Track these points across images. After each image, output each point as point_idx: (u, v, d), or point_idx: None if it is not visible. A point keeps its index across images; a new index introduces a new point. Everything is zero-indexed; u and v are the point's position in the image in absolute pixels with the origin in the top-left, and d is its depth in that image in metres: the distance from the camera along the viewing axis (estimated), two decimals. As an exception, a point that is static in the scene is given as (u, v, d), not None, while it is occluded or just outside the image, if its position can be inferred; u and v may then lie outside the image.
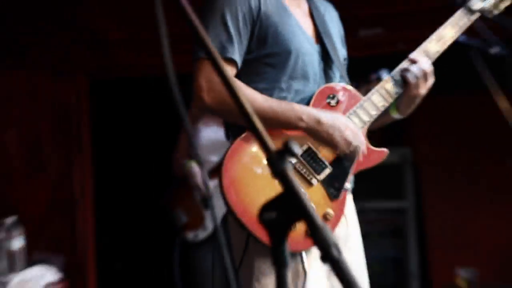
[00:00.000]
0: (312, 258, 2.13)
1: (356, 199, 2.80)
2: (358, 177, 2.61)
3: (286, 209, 1.05)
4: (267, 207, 1.05)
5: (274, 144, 1.14)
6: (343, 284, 0.94)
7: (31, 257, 3.72)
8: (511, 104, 2.74)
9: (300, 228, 1.07)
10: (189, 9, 1.01)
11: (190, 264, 4.61)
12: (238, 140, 2.21)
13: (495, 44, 2.72)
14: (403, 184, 5.84)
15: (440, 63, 2.44)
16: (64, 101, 5.09)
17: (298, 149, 1.28)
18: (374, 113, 2.36)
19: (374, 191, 5.67)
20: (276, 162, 1.01)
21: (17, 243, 3.52)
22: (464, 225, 5.59)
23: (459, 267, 5.51)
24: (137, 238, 5.87)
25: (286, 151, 1.00)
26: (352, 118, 2.35)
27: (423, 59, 2.37)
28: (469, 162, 5.54)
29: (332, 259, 0.92)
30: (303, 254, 2.13)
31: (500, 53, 2.70)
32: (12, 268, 3.39)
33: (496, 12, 2.48)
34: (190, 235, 4.50)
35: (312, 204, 2.21)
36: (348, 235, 2.50)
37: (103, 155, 5.67)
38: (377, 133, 2.55)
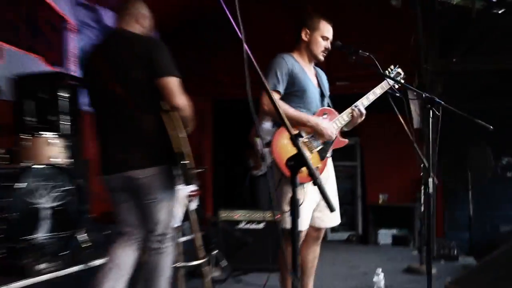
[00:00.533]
0: (309, 187, 2.72)
1: (334, 161, 5.36)
2: (335, 151, 4.71)
3: (297, 161, 1.67)
4: (289, 159, 1.66)
5: (293, 131, 1.84)
6: (322, 195, 1.62)
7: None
8: (404, 119, 3.28)
9: (304, 171, 1.68)
10: (257, 69, 1.67)
11: (253, 187, 5.63)
12: (278, 129, 3.00)
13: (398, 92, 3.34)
14: (354, 154, 7.88)
15: (377, 100, 3.28)
16: (201, 110, 7.13)
17: (304, 135, 2.98)
18: (341, 124, 3.25)
19: (342, 157, 7.32)
20: (293, 139, 1.67)
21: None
22: (382, 173, 7.55)
23: (380, 193, 7.54)
24: (232, 173, 7.41)
25: (298, 135, 1.74)
26: (334, 124, 3.21)
27: (361, 106, 3.25)
28: (384, 144, 7.18)
29: (318, 183, 1.60)
30: (305, 184, 2.64)
31: (400, 96, 3.32)
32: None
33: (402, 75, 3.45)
34: (254, 172, 5.42)
35: (311, 161, 3.04)
36: (328, 177, 3.37)
37: (219, 138, 7.71)
38: (345, 133, 3.41)
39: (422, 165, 3.36)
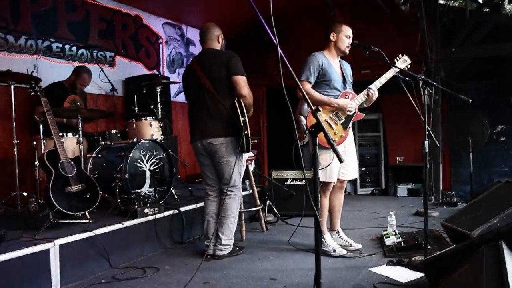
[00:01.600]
0: (325, 148, 2.90)
1: (362, 132, 5.31)
2: (363, 125, 4.68)
3: (316, 128, 1.78)
4: (311, 127, 1.80)
5: (324, 111, 3.03)
6: (333, 151, 1.72)
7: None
8: (414, 98, 3.12)
9: (322, 136, 1.79)
10: (290, 67, 1.68)
11: (298, 153, 5.14)
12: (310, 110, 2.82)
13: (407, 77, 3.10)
14: (378, 126, 7.80)
15: (394, 82, 3.19)
16: (258, 96, 7.43)
17: (323, 114, 3.11)
18: (359, 102, 3.25)
19: (368, 129, 7.81)
20: (313, 112, 1.82)
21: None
22: (399, 141, 7.52)
23: (397, 156, 7.56)
24: (282, 141, 6.90)
25: (317, 109, 1.89)
26: (354, 102, 3.24)
27: (374, 88, 3.24)
28: (401, 117, 6.92)
29: (331, 143, 1.72)
30: (323, 146, 2.81)
31: (409, 80, 3.09)
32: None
33: (407, 67, 3.27)
34: (300, 142, 4.87)
35: (337, 130, 3.19)
36: (350, 143, 3.37)
37: (272, 116, 7.78)
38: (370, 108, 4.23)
39: (426, 133, 3.30)
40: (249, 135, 3.07)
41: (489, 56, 5.90)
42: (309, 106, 1.91)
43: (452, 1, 6.22)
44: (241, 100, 3.07)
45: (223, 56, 3.18)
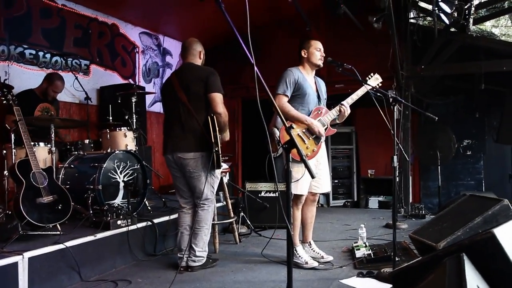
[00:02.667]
0: (298, 162, 2.75)
1: (335, 144, 5.41)
2: (336, 138, 4.75)
3: (289, 144, 1.82)
4: (284, 143, 1.84)
5: (297, 126, 3.11)
6: (305, 166, 1.76)
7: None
8: (384, 112, 3.11)
9: (295, 151, 1.80)
10: (265, 85, 1.71)
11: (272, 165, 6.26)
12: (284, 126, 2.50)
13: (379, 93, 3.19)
14: (351, 139, 7.95)
15: (363, 97, 3.34)
16: (233, 108, 7.44)
17: (297, 128, 3.17)
18: (331, 117, 3.33)
19: (341, 142, 7.88)
20: (287, 129, 1.84)
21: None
22: (371, 154, 7.68)
23: (369, 169, 7.74)
24: (257, 154, 7.57)
25: (290, 127, 1.87)
26: (325, 118, 3.30)
27: (346, 104, 3.32)
28: (373, 131, 7.04)
29: (303, 159, 1.76)
30: (295, 160, 2.31)
31: (380, 96, 3.18)
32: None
33: (378, 86, 3.38)
34: (273, 154, 5.13)
35: (309, 145, 3.24)
36: (322, 156, 3.43)
37: (247, 128, 7.69)
38: (343, 123, 3.46)
39: (395, 147, 3.43)
40: (220, 152, 3.10)
41: (456, 74, 6.16)
42: (282, 122, 1.94)
43: (422, 20, 6.48)
44: (215, 117, 3.10)
45: (202, 72, 3.22)
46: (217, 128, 3.08)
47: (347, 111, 3.35)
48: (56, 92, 4.47)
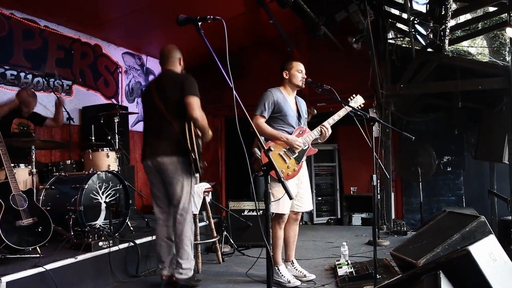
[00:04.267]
0: (288, 183, 2.59)
1: (318, 162, 5.46)
2: (319, 156, 4.86)
3: (268, 166, 1.88)
4: (263, 165, 1.89)
5: (277, 146, 3.16)
6: (283, 187, 1.82)
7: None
8: (364, 130, 3.31)
9: (273, 172, 1.87)
10: (243, 107, 1.78)
11: (255, 184, 5.42)
12: (266, 143, 3.19)
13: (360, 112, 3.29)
14: (333, 156, 8.03)
15: (345, 115, 3.39)
16: (216, 127, 7.47)
17: (276, 149, 3.22)
18: (312, 138, 3.38)
19: (324, 159, 7.99)
20: (265, 151, 1.92)
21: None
22: (353, 171, 7.71)
23: (351, 187, 7.78)
24: (240, 173, 6.40)
25: (269, 149, 1.96)
26: (307, 138, 3.36)
27: (327, 125, 3.38)
28: (355, 149, 6.97)
29: (281, 181, 1.84)
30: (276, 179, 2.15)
31: (361, 115, 3.26)
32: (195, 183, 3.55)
33: (361, 105, 3.48)
34: (258, 173, 5.52)
35: (290, 164, 3.26)
36: (303, 175, 3.46)
37: (230, 147, 7.74)
38: (325, 141, 3.46)
39: (375, 165, 3.51)
40: (197, 159, 3.06)
41: (435, 92, 6.32)
42: (260, 144, 2.02)
43: (401, 40, 6.69)
44: (192, 122, 3.06)
45: (178, 77, 3.20)
46: (193, 134, 3.05)
47: (328, 132, 3.42)
48: (29, 107, 4.42)
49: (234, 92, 1.96)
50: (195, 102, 3.02)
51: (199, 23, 2.04)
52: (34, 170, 3.71)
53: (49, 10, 5.00)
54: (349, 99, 3.56)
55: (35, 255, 3.05)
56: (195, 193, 3.65)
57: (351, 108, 3.47)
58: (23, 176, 3.75)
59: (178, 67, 3.30)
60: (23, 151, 3.88)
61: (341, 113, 3.50)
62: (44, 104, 4.88)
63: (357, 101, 3.57)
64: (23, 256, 3.03)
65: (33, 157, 3.70)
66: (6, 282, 2.65)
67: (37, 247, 3.09)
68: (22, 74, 4.91)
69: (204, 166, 3.24)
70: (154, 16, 5.37)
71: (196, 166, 3.05)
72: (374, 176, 3.28)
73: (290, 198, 1.95)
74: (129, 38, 6.14)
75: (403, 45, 6.74)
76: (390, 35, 6.59)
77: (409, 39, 6.11)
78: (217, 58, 1.91)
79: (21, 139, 3.84)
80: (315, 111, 3.73)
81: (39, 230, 3.14)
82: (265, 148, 1.94)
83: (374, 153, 3.48)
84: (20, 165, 3.82)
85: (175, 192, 3.13)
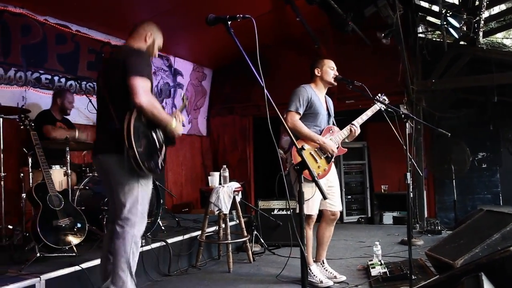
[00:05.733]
0: (308, 181, 2.62)
1: (347, 160, 5.39)
2: (348, 153, 4.89)
3: (301, 166, 1.80)
4: (296, 165, 1.96)
5: (309, 145, 3.06)
6: (317, 187, 1.77)
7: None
8: (396, 127, 3.16)
9: (306, 172, 1.79)
10: (275, 107, 1.74)
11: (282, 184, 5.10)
12: (297, 141, 2.90)
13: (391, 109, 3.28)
14: (363, 154, 7.84)
15: (374, 114, 3.39)
16: (244, 126, 7.55)
17: (308, 147, 3.15)
18: (342, 137, 3.36)
19: (353, 157, 7.83)
20: (298, 150, 1.79)
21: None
22: (383, 169, 7.53)
23: (382, 185, 7.58)
24: (269, 172, 6.54)
25: (301, 148, 1.83)
26: (335, 137, 3.34)
27: (357, 124, 3.35)
28: (385, 146, 6.94)
29: (315, 180, 1.74)
30: (306, 179, 2.22)
31: (392, 112, 3.22)
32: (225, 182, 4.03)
33: (387, 101, 3.43)
34: (284, 172, 5.77)
35: (320, 164, 3.24)
36: (331, 176, 3.42)
37: (258, 146, 7.70)
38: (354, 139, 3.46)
39: (408, 162, 3.42)
40: (136, 155, 2.33)
41: (469, 87, 6.10)
42: (293, 143, 1.95)
43: (431, 34, 6.48)
44: (135, 111, 2.36)
45: (121, 54, 2.50)
46: (132, 125, 2.33)
47: (357, 131, 3.38)
48: (71, 103, 4.55)
49: (266, 91, 1.92)
50: (138, 84, 2.31)
51: (229, 22, 2.01)
52: (69, 171, 3.79)
53: (80, 15, 5.11)
54: (377, 97, 3.50)
55: (71, 254, 3.13)
56: (223, 196, 3.61)
57: (382, 105, 3.43)
58: (58, 177, 3.85)
59: (142, 44, 2.60)
60: (58, 153, 3.99)
61: (370, 112, 3.46)
62: (77, 106, 4.98)
63: (384, 100, 3.51)
64: (60, 254, 3.11)
65: (68, 158, 3.78)
66: (45, 280, 2.73)
67: (74, 246, 3.16)
68: (56, 78, 5.05)
69: (162, 165, 2.59)
70: (181, 17, 5.39)
71: (137, 164, 2.33)
72: (408, 174, 3.17)
73: (325, 197, 1.89)
74: None
75: (434, 39, 6.50)
76: (420, 29, 6.40)
77: (440, 32, 5.94)
78: (247, 57, 1.88)
79: (56, 141, 3.93)
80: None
81: (75, 229, 3.22)
82: (298, 146, 1.89)
83: (407, 150, 3.38)
84: (56, 166, 3.92)
85: (116, 197, 2.47)
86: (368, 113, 3.43)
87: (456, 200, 6.41)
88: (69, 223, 3.20)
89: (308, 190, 3.00)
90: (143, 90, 2.34)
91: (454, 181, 6.48)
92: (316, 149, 3.30)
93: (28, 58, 4.69)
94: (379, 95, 3.52)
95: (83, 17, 5.17)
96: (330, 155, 3.34)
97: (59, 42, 5.08)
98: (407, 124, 3.27)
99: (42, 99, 4.82)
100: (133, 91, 2.32)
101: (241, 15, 2.01)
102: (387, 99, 3.51)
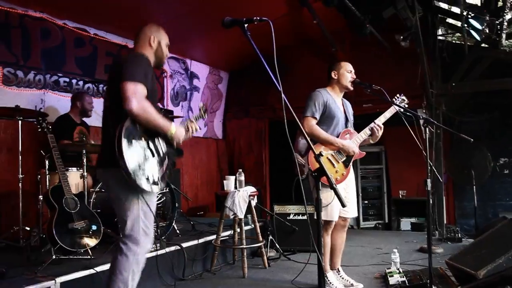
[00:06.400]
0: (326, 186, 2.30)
1: (364, 164, 5.29)
2: (365, 158, 4.86)
3: (319, 172, 1.76)
4: (313, 171, 1.78)
5: (326, 149, 2.95)
6: (336, 194, 1.68)
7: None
8: (414, 131, 3.10)
9: (324, 178, 1.77)
10: (292, 111, 2.17)
11: (299, 188, 6.10)
12: (314, 146, 2.68)
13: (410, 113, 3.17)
14: (380, 158, 7.70)
15: (392, 115, 3.28)
16: (260, 129, 7.49)
17: (326, 151, 3.09)
18: (360, 140, 3.28)
19: (371, 161, 7.65)
20: (316, 157, 1.74)
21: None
22: (401, 174, 7.34)
23: (400, 190, 7.29)
24: (285, 175, 6.54)
25: (319, 154, 1.79)
26: (353, 140, 3.26)
27: (379, 122, 3.27)
28: (403, 150, 6.69)
29: (333, 188, 1.67)
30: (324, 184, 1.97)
31: (410, 115, 3.17)
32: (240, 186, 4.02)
33: (406, 104, 3.36)
34: (300, 177, 5.55)
35: (338, 169, 3.16)
36: (349, 181, 3.35)
37: (274, 149, 7.56)
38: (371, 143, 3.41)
39: (428, 167, 3.33)
40: (127, 166, 2.10)
41: (489, 90, 5.94)
42: (311, 148, 1.91)
43: (451, 37, 6.34)
44: (128, 118, 2.17)
45: (121, 60, 2.38)
46: (122, 133, 2.13)
47: (381, 131, 3.29)
48: (91, 104, 4.58)
49: (283, 95, 1.88)
50: (128, 89, 2.13)
51: (245, 25, 1.98)
52: (86, 174, 3.80)
53: (98, 19, 5.16)
54: (394, 99, 3.42)
55: (86, 257, 3.13)
56: (239, 201, 3.54)
57: (401, 109, 3.32)
58: (75, 179, 3.86)
59: (148, 49, 2.46)
60: (74, 156, 4.02)
61: (388, 114, 3.37)
62: (95, 109, 5.00)
63: (402, 101, 3.43)
64: (75, 257, 3.11)
65: (84, 161, 3.79)
66: (60, 282, 2.73)
67: (89, 249, 3.16)
68: (74, 81, 5.10)
69: (168, 176, 2.43)
70: (197, 20, 5.40)
71: (129, 177, 2.12)
72: (429, 180, 3.08)
73: (343, 205, 1.83)
74: (173, 43, 6.02)
75: (454, 41, 6.35)
76: (440, 31, 6.27)
77: (460, 35, 5.80)
78: (264, 60, 1.85)
79: (73, 143, 3.95)
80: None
81: (90, 232, 3.22)
82: (316, 151, 1.84)
83: (427, 156, 3.28)
84: (72, 168, 3.94)
85: (118, 214, 2.32)
86: (386, 115, 3.36)
87: (476, 206, 6.22)
88: (84, 226, 3.21)
89: (327, 195, 2.92)
90: (133, 95, 2.14)
91: (474, 187, 6.30)
92: (334, 154, 3.23)
93: (47, 61, 4.74)
94: (398, 95, 3.44)
95: (101, 20, 5.23)
96: (348, 160, 3.26)
97: (78, 45, 5.14)
98: (427, 129, 3.20)
99: (60, 102, 4.87)
100: (123, 96, 2.14)
101: (258, 18, 1.97)
102: (406, 99, 3.43)
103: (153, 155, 2.29)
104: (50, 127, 3.38)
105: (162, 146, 2.38)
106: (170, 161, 2.43)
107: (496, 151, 6.61)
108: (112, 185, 2.29)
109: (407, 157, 6.88)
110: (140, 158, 2.20)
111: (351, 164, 3.34)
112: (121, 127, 2.14)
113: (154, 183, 2.24)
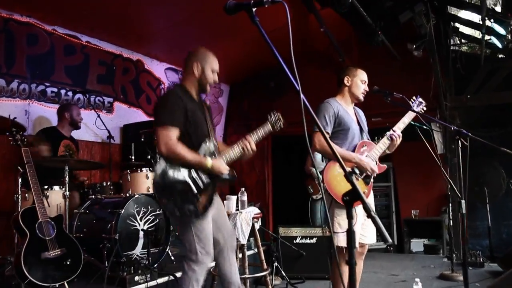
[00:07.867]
0: (357, 209, 2.32)
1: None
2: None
3: (352, 196, 1.33)
4: (344, 195, 1.34)
5: (348, 169, 1.57)
6: (376, 227, 1.26)
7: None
8: (431, 146, 3.22)
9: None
10: (314, 115, 1.48)
11: (312, 207, 5.42)
12: (328, 163, 2.77)
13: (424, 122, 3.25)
14: (388, 176, 7.05)
15: (404, 131, 2.98)
16: (262, 145, 6.79)
17: (356, 171, 2.71)
18: (380, 152, 2.92)
19: (378, 179, 7.44)
20: (347, 176, 1.36)
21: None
22: (410, 193, 6.82)
23: (412, 209, 6.68)
24: (290, 194, 6.57)
25: (352, 172, 2.36)
26: (372, 153, 2.90)
27: (398, 130, 2.92)
28: (411, 167, 6.53)
29: (372, 216, 1.25)
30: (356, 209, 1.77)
31: (427, 127, 3.29)
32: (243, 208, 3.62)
33: (423, 110, 3.07)
34: (313, 196, 5.32)
35: (359, 187, 3.75)
36: (370, 200, 3.10)
37: (277, 167, 7.20)
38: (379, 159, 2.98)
39: (449, 186, 2.90)
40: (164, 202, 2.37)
41: (502, 104, 5.56)
42: (341, 166, 1.47)
43: (466, 47, 5.97)
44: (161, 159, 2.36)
45: (156, 102, 2.52)
46: (158, 173, 2.35)
47: (399, 139, 2.92)
48: (80, 115, 4.22)
49: (302, 96, 1.55)
50: (158, 135, 2.33)
51: (253, 9, 1.57)
52: (67, 193, 3.31)
53: (91, 25, 4.78)
54: (411, 100, 3.11)
55: (62, 293, 2.62)
56: (241, 224, 3.28)
57: (417, 113, 3.00)
58: (56, 199, 3.38)
59: (191, 78, 2.53)
60: (58, 172, 3.53)
61: (406, 119, 3.00)
62: (85, 122, 4.56)
63: (420, 103, 3.10)
64: (49, 293, 2.60)
65: (67, 178, 3.31)
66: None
67: (65, 283, 2.67)
68: (63, 91, 4.66)
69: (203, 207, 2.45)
70: (196, 29, 5.00)
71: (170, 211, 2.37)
72: (463, 201, 2.61)
73: (386, 241, 1.42)
74: (171, 53, 5.83)
75: (467, 51, 5.95)
76: (453, 41, 5.84)
77: (474, 45, 5.40)
78: (280, 59, 1.49)
79: (52, 158, 3.48)
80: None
81: (68, 263, 2.73)
82: (347, 171, 1.37)
83: (448, 175, 2.85)
84: (55, 187, 3.46)
85: (181, 235, 2.52)
86: (405, 120, 2.99)
87: (490, 226, 5.78)
88: (60, 255, 2.69)
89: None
90: (161, 141, 2.32)
91: (487, 205, 5.86)
92: (351, 170, 2.78)
93: (33, 69, 4.33)
94: (414, 98, 3.10)
95: (94, 27, 4.84)
96: (368, 176, 2.84)
97: (68, 53, 4.72)
98: (437, 143, 2.82)
99: (47, 113, 4.43)
100: (156, 141, 2.35)
101: (270, 0, 1.60)
102: (423, 102, 3.09)
103: (191, 187, 2.38)
104: (25, 140, 2.89)
105: (202, 177, 2.43)
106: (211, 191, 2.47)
107: (509, 168, 6.11)
108: (170, 213, 2.47)
109: (416, 174, 6.58)
110: (179, 191, 2.35)
111: (371, 180, 2.90)
112: (158, 166, 2.36)
113: (194, 213, 2.37)
